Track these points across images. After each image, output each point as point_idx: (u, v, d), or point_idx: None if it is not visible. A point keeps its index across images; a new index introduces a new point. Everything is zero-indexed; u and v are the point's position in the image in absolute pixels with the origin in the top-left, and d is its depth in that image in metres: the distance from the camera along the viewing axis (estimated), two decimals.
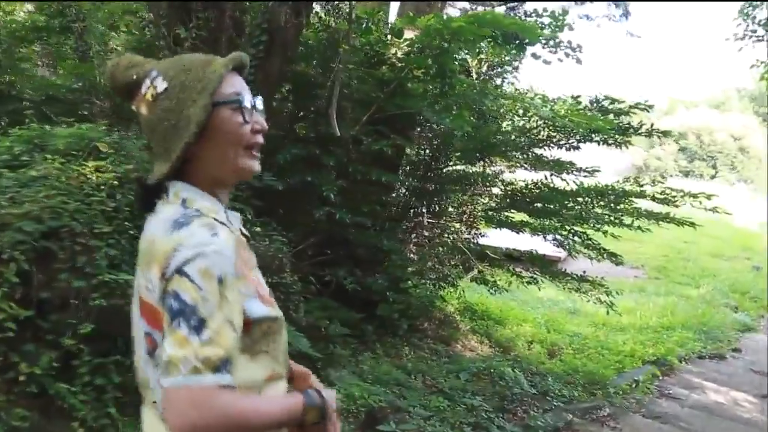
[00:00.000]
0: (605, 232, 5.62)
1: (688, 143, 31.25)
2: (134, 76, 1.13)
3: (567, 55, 4.31)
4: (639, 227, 5.44)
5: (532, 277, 5.63)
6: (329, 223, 3.89)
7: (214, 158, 1.11)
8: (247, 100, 1.13)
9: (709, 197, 5.16)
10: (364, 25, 4.26)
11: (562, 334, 6.47)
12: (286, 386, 1.22)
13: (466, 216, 5.57)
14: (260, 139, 1.15)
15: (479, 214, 5.52)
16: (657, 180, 5.51)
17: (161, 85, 1.10)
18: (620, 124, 4.41)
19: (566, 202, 4.90)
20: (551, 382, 4.39)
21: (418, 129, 5.62)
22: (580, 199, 4.96)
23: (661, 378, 5.42)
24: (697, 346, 6.97)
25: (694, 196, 5.05)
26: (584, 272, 5.83)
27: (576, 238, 5.42)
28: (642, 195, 5.13)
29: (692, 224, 4.83)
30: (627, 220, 5.15)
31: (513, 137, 4.72)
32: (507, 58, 6.02)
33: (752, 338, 8.50)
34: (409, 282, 4.71)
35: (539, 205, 5.06)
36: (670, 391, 5.00)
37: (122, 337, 2.39)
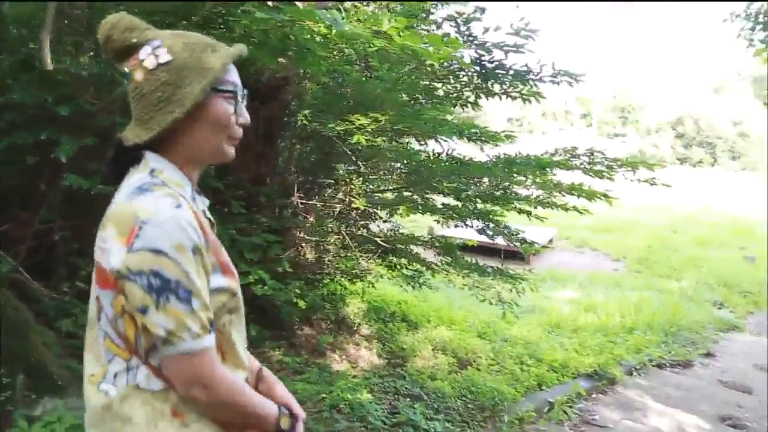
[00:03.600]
0: (528, 213, 4.49)
1: (685, 129, 29.84)
2: (134, 40, 1.12)
3: None
4: (574, 208, 4.28)
5: (416, 270, 4.49)
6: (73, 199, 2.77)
7: (196, 138, 1.12)
8: (240, 93, 1.15)
9: (651, 167, 4.02)
10: None
11: (489, 340, 5.34)
12: (244, 377, 1.20)
13: (343, 195, 4.42)
14: (240, 132, 1.17)
15: (359, 192, 4.37)
16: (594, 151, 4.35)
17: (164, 56, 1.09)
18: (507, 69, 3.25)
19: (467, 176, 3.74)
20: (418, 410, 3.26)
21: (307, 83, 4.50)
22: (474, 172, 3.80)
23: (592, 397, 4.30)
24: (657, 352, 5.83)
25: (631, 164, 3.91)
26: (498, 260, 4.69)
27: (483, 221, 4.26)
28: (563, 165, 3.99)
29: (606, 196, 3.67)
30: (542, 196, 4.00)
31: (383, 87, 3.56)
32: None
33: (733, 339, 7.37)
34: (251, 277, 3.60)
35: (445, 182, 3.89)
36: (596, 417, 3.87)
37: None
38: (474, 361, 4.61)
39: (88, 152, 2.60)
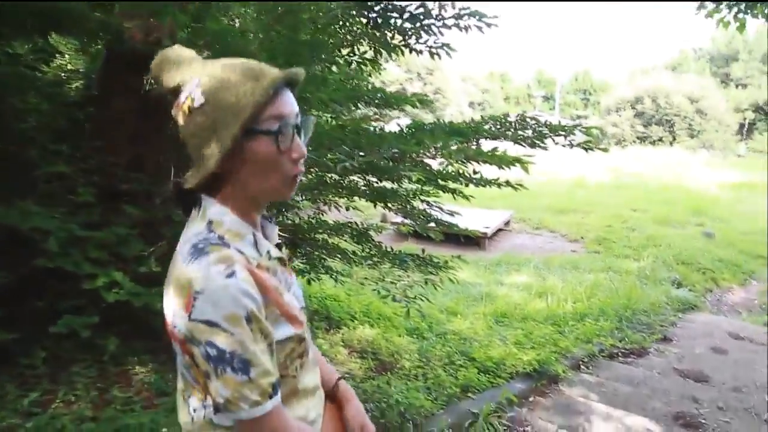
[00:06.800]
0: (453, 191, 3.85)
1: (644, 107, 29.69)
2: (178, 81, 1.07)
3: None
4: (507, 182, 3.64)
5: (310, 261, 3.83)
6: None
7: (247, 181, 1.07)
8: (290, 124, 1.05)
9: (588, 131, 3.44)
10: None
11: (420, 337, 4.73)
12: (317, 401, 1.23)
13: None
14: (300, 167, 1.10)
15: None
16: (524, 117, 3.72)
17: (198, 98, 1.03)
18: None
19: (353, 147, 3.06)
20: None
21: None
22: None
23: (528, 401, 3.72)
24: (609, 340, 5.32)
25: (562, 128, 3.32)
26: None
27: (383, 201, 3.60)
28: (486, 132, 3.37)
29: (519, 161, 2.99)
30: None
31: (257, 43, 2.87)
32: None
33: (692, 320, 6.94)
34: (101, 280, 2.90)
35: (329, 155, 3.21)
36: (527, 428, 3.30)
37: None
38: (396, 364, 3.99)
39: None
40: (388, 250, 3.84)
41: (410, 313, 3.27)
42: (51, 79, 4.27)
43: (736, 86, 37.27)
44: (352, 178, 4.12)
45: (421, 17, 2.74)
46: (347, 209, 4.66)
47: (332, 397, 1.35)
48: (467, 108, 35.51)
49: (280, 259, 1.15)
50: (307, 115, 1.12)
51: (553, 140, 3.33)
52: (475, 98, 40.47)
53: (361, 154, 2.94)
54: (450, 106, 25.15)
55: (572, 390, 4.03)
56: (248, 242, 1.08)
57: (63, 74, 5.06)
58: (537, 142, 3.51)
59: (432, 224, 3.59)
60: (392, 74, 22.04)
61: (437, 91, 25.19)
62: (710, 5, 6.42)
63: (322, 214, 5.07)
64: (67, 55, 5.19)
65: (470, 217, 11.19)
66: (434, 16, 2.70)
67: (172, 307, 1.03)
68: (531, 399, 3.75)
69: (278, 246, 1.19)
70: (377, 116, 5.51)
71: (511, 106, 47.62)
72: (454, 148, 2.70)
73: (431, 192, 3.94)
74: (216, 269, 0.98)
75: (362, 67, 3.30)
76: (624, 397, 3.97)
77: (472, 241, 11.00)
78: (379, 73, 5.03)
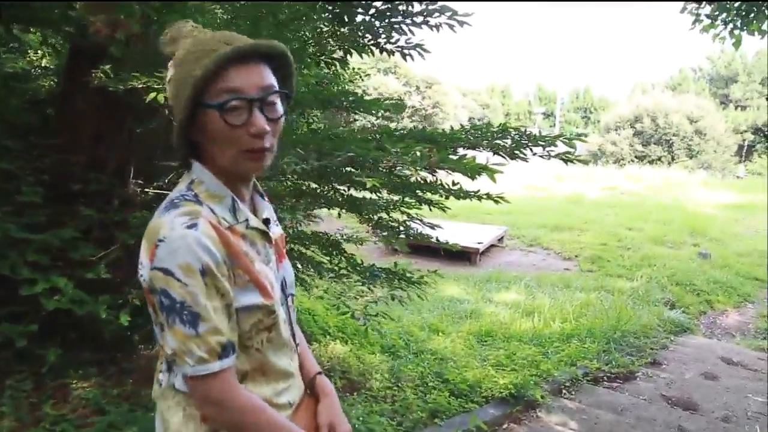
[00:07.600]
0: (430, 203, 3.66)
1: (643, 126, 29.57)
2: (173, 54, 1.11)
3: None
4: (488, 195, 3.46)
5: None
6: None
7: (212, 153, 1.08)
8: (241, 98, 1.02)
9: (570, 142, 3.25)
10: None
11: (395, 355, 4.50)
12: (291, 388, 1.20)
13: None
14: (259, 143, 1.05)
15: None
16: (507, 127, 3.53)
17: (170, 71, 1.08)
18: None
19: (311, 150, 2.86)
20: None
21: None
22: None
23: (502, 428, 3.49)
24: (595, 363, 5.08)
25: (543, 139, 3.13)
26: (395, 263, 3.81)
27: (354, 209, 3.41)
28: (462, 140, 3.19)
29: (486, 168, 2.78)
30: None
31: None
32: None
33: (684, 343, 6.69)
34: (40, 286, 2.69)
35: (286, 158, 2.99)
36: None
37: None
38: (365, 384, 3.77)
39: None
40: (359, 262, 3.63)
41: (369, 330, 3.06)
42: (13, 73, 4.10)
43: (736, 108, 37.25)
44: (326, 187, 3.92)
45: (388, 13, 2.55)
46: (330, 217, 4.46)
47: (312, 391, 1.32)
48: (467, 123, 35.40)
49: (263, 233, 1.14)
50: (283, 91, 1.09)
51: (532, 151, 3.15)
52: (475, 113, 40.32)
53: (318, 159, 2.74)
54: (449, 120, 25.01)
55: (550, 417, 3.80)
56: (225, 206, 1.09)
57: (37, 70, 4.90)
58: (516, 152, 3.33)
59: (402, 236, 3.39)
60: (390, 87, 21.92)
61: (436, 105, 25.02)
62: (705, 21, 6.27)
63: (300, 225, 4.88)
64: (39, 51, 5.03)
65: (463, 232, 11.01)
66: (401, 12, 2.52)
67: (141, 258, 1.05)
68: (504, 426, 3.52)
69: (266, 222, 1.18)
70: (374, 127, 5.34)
71: (511, 123, 47.51)
72: (418, 154, 2.49)
73: (413, 204, 3.75)
74: (180, 220, 1.00)
75: (329, 67, 3.11)
76: (606, 425, 3.75)
77: (463, 256, 10.80)
78: (362, 79, 4.86)
